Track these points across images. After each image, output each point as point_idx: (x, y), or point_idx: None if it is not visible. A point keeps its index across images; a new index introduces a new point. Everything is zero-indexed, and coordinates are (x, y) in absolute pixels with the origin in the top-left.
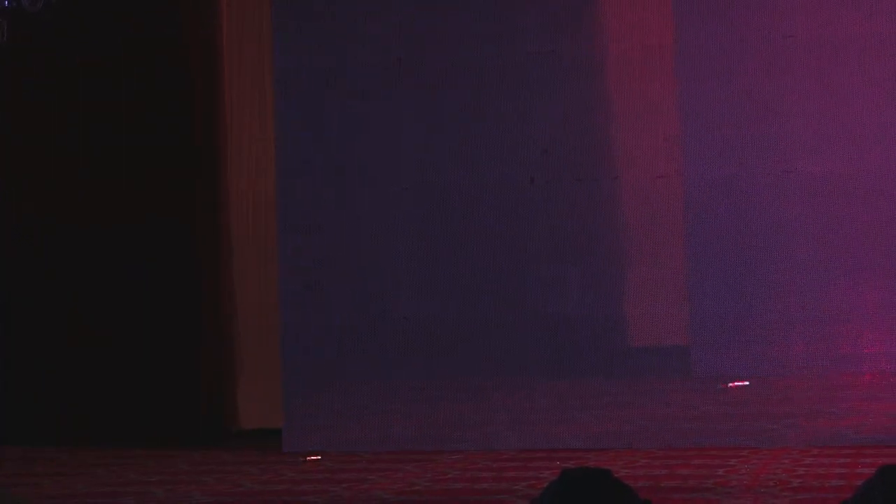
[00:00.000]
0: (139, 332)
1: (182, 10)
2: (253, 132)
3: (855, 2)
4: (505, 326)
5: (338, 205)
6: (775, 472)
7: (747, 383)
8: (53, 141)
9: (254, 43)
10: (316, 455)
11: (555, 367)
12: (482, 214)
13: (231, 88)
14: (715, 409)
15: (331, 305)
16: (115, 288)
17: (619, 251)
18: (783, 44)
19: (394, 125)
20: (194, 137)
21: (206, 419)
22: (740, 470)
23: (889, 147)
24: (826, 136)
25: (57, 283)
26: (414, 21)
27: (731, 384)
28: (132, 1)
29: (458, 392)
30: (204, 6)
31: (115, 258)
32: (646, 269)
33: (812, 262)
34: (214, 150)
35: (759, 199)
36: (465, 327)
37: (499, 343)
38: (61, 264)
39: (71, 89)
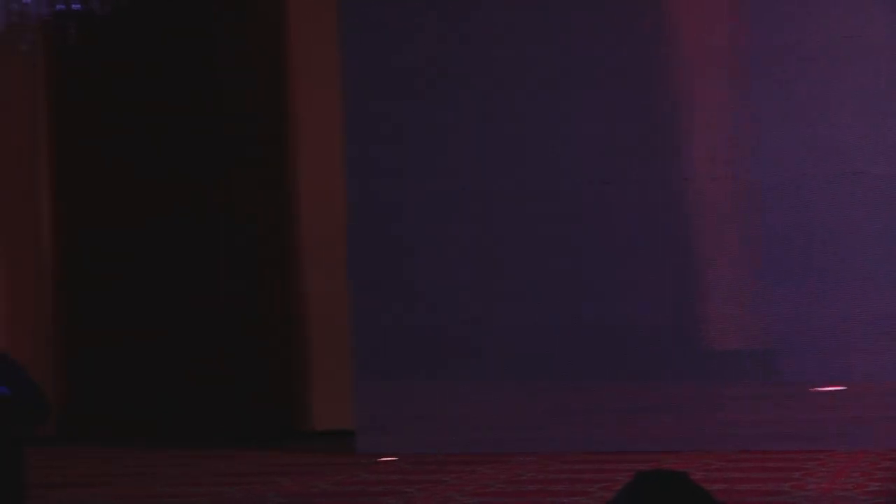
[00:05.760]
0: (212, 335)
1: (250, 11)
2: (321, 133)
3: None
4: (576, 329)
5: (404, 206)
6: (852, 476)
7: (843, 388)
8: (124, 141)
9: (322, 44)
10: (390, 456)
11: (626, 369)
12: (544, 217)
13: (299, 89)
14: (791, 413)
15: (403, 307)
16: (187, 290)
17: (683, 252)
18: (844, 45)
19: (458, 126)
20: (263, 137)
21: (280, 420)
22: (817, 473)
23: None
24: (890, 139)
25: (128, 286)
26: (478, 25)
27: (822, 388)
28: (199, 2)
29: (532, 394)
30: (272, 6)
31: (185, 259)
32: (711, 271)
33: (886, 263)
34: (283, 149)
35: (824, 200)
36: (537, 330)
37: (571, 346)
38: (131, 265)
39: (139, 89)
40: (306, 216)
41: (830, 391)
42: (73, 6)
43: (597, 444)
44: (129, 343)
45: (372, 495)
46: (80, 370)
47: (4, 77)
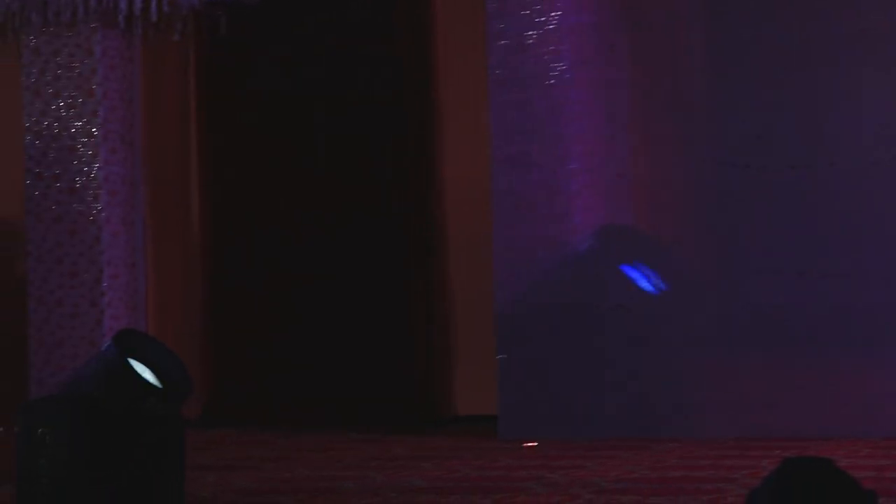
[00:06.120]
0: (355, 319)
1: (397, 1)
2: (467, 118)
3: None
4: (715, 314)
5: (551, 191)
6: None
7: None
8: (273, 131)
9: (468, 28)
10: (532, 441)
11: (770, 351)
12: (692, 202)
13: (446, 79)
14: None
15: (545, 292)
16: (331, 275)
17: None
18: None
19: (600, 113)
20: (407, 124)
21: (422, 405)
22: None
23: None
24: None
25: (273, 272)
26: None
27: None
28: None
29: (677, 380)
30: None
31: (330, 246)
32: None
33: None
34: (429, 135)
35: None
36: (676, 315)
37: (713, 329)
38: (277, 252)
39: (289, 80)
40: (451, 197)
41: None
42: None
43: (742, 430)
44: (274, 330)
45: (514, 480)
46: (227, 356)
47: (157, 67)
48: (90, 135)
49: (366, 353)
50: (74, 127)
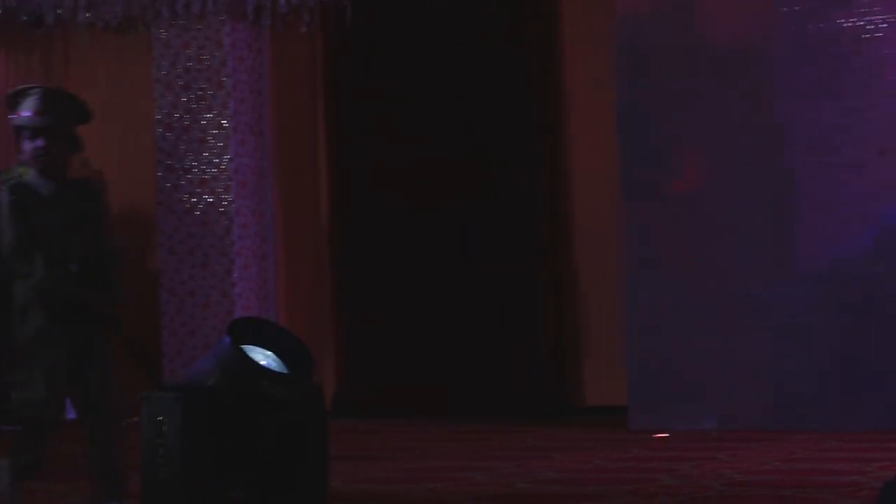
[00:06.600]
0: (485, 309)
1: None
2: (594, 108)
3: None
4: (854, 310)
5: (681, 181)
6: None
7: None
8: (400, 119)
9: (596, 16)
10: (662, 433)
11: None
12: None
13: (572, 65)
14: None
15: (675, 282)
16: (459, 264)
17: None
18: None
19: (735, 101)
20: (536, 113)
21: (553, 395)
22: None
23: None
24: None
25: (401, 262)
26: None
27: None
28: None
29: (806, 372)
30: None
31: (459, 236)
32: None
33: None
34: (556, 126)
35: None
36: (810, 306)
37: (855, 321)
38: (405, 242)
39: (414, 68)
40: (578, 193)
41: None
42: None
43: (876, 422)
44: (404, 319)
45: (644, 471)
46: (357, 345)
47: (285, 58)
48: (220, 126)
49: (496, 343)
50: (205, 119)
